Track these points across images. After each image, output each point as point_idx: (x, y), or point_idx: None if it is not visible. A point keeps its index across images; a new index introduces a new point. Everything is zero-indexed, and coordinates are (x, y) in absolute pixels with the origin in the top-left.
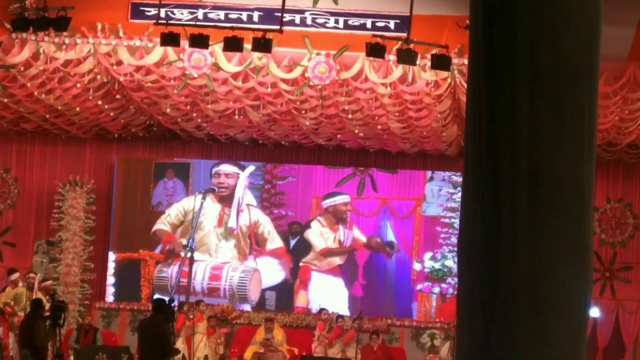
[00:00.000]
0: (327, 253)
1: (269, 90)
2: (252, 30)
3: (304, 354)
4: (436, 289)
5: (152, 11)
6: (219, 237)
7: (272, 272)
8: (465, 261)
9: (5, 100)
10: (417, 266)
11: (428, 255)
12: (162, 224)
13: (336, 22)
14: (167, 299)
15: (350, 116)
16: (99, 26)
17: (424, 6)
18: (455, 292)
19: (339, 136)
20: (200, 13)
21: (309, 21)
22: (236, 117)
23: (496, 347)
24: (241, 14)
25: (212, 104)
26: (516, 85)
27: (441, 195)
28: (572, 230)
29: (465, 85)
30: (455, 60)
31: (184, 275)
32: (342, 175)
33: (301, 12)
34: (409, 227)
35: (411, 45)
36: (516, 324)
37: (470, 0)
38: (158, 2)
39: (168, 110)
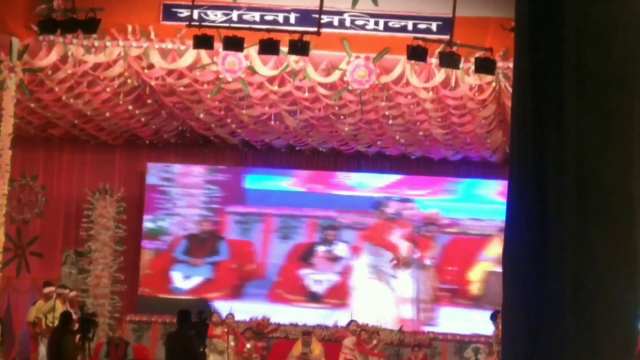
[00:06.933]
0: None
1: (306, 94)
2: (288, 32)
3: None
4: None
5: (185, 13)
6: None
7: None
8: (511, 270)
9: (32, 105)
10: None
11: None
12: None
13: (376, 24)
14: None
15: (390, 122)
16: (130, 28)
17: (467, 7)
18: None
19: (379, 142)
20: (234, 14)
21: (347, 23)
22: (272, 122)
23: (542, 359)
24: (277, 16)
25: (247, 109)
26: (563, 89)
27: None
28: (620, 239)
29: (510, 89)
30: (499, 64)
31: None
32: None
33: (340, 13)
34: None
35: (454, 48)
36: (562, 336)
37: (516, 1)
38: (191, 3)
39: (201, 115)
